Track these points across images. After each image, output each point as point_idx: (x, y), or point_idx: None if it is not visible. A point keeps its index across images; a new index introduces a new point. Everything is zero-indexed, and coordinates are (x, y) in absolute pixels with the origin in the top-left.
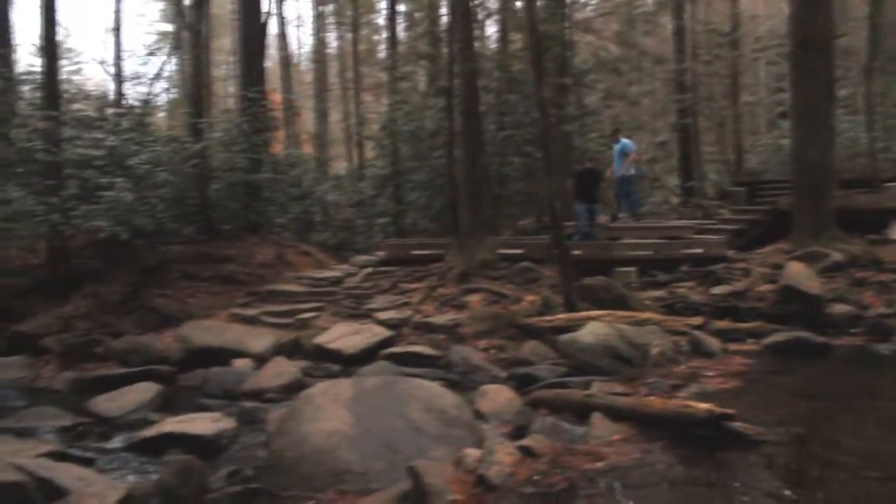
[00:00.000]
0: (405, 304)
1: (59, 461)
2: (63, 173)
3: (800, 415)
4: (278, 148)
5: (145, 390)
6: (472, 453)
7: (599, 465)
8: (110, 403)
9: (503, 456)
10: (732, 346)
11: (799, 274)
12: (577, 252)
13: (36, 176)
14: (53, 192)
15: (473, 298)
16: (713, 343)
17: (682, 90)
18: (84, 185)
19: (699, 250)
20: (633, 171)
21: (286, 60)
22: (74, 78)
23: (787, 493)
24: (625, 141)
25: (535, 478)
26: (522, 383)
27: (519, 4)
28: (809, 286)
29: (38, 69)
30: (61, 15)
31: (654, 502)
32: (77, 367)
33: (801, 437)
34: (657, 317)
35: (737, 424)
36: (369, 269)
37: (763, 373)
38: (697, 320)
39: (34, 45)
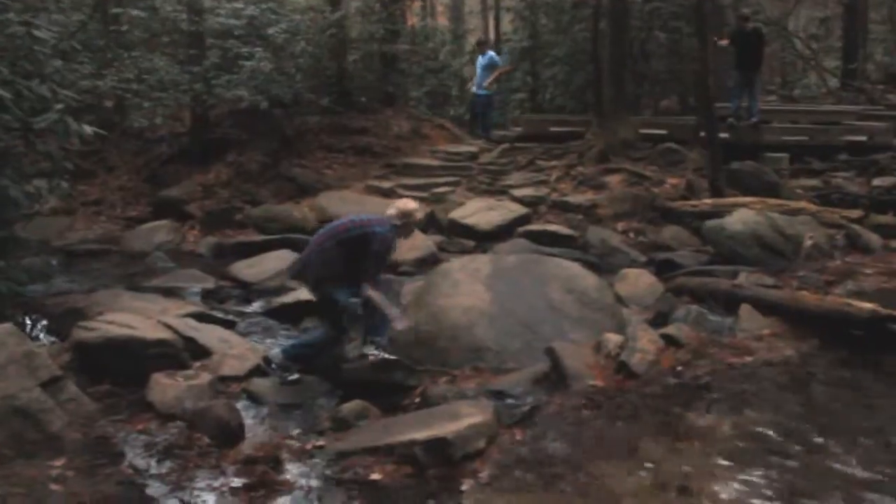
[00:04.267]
0: (542, 182)
1: (203, 322)
2: (205, 43)
3: None
4: (414, 20)
5: (282, 258)
6: (613, 338)
7: (748, 359)
8: (250, 269)
9: (646, 343)
10: (894, 244)
11: None
12: (724, 135)
13: (180, 46)
14: (196, 62)
15: (613, 179)
16: (873, 238)
17: None
18: (225, 54)
19: (861, 137)
20: (493, 90)
21: None
22: None
23: None
24: (491, 53)
25: (679, 368)
26: (662, 269)
27: None
28: None
29: None
30: None
31: (807, 404)
32: (218, 233)
33: None
34: (811, 207)
35: None
36: (506, 145)
37: None
38: (856, 213)
39: None
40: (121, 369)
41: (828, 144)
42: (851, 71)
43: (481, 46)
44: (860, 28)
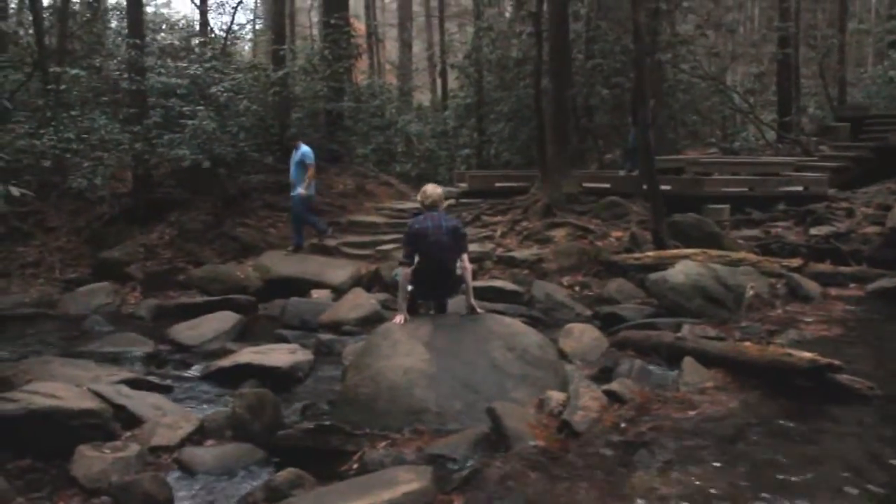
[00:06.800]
0: (487, 238)
1: (137, 388)
2: (147, 102)
3: None
4: (361, 77)
5: (224, 319)
6: (556, 396)
7: (691, 414)
8: (190, 331)
9: (588, 401)
10: (833, 291)
11: None
12: (666, 187)
13: (121, 105)
14: (138, 121)
15: (558, 233)
16: (812, 287)
17: (785, 17)
18: (167, 113)
19: (798, 188)
20: (312, 190)
21: None
22: (164, 10)
23: None
24: (303, 150)
25: (623, 426)
26: (607, 322)
27: None
28: None
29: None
30: None
31: (751, 458)
32: (159, 295)
33: None
34: (752, 257)
35: (843, 377)
36: (451, 201)
37: (868, 321)
38: (795, 262)
39: None
40: (44, 443)
41: (767, 195)
42: (786, 124)
43: (293, 141)
44: (793, 83)
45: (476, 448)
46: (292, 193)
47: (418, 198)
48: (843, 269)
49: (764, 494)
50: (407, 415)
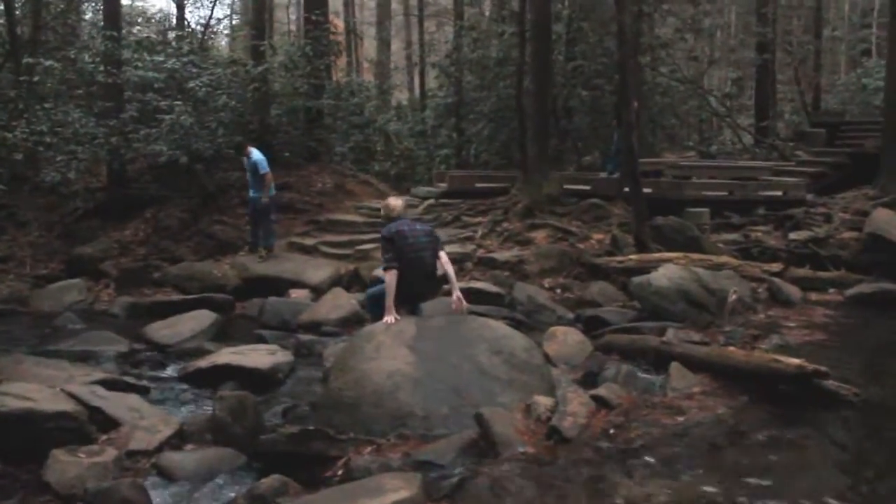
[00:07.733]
0: (468, 239)
1: (113, 389)
2: (123, 96)
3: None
4: (340, 75)
5: (201, 318)
6: (544, 401)
7: (679, 419)
8: (166, 330)
9: (577, 406)
10: (813, 296)
11: (886, 221)
12: (646, 190)
13: (96, 98)
14: (113, 115)
15: (539, 234)
16: (793, 291)
17: (763, 22)
18: (144, 108)
19: (777, 193)
20: (273, 192)
21: None
22: (140, 3)
23: (888, 460)
24: (254, 158)
25: (612, 431)
26: (590, 326)
27: None
28: None
29: None
30: None
31: (741, 464)
32: (134, 293)
33: None
34: (733, 261)
35: (830, 383)
36: (431, 201)
37: (848, 326)
38: (776, 267)
39: None
40: (17, 446)
41: (746, 199)
42: (763, 128)
43: (243, 148)
44: (770, 88)
45: (464, 454)
46: (255, 196)
47: (382, 212)
48: (822, 274)
49: (753, 500)
50: (392, 419)
